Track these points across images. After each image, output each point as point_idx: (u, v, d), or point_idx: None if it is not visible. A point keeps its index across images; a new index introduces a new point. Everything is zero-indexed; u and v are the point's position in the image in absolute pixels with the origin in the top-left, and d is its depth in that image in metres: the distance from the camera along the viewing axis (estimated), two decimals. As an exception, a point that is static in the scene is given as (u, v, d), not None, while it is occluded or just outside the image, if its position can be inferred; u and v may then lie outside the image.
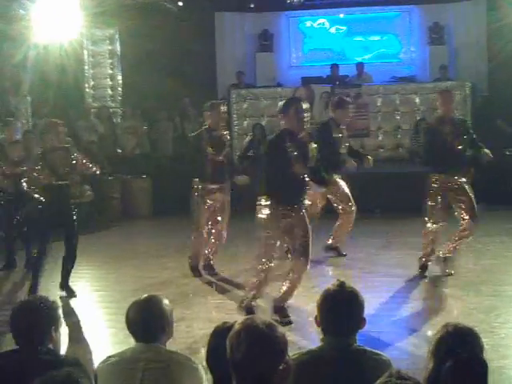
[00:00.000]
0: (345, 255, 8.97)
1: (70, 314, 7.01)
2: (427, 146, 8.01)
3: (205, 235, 8.26)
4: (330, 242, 9.01)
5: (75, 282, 8.36)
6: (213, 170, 8.02)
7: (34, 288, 7.49)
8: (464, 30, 15.07)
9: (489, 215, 10.97)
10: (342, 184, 8.79)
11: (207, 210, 8.14)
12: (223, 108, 8.45)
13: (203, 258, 8.42)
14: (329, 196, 8.79)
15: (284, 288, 6.52)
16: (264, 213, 6.29)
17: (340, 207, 8.81)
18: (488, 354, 5.20)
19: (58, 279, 7.99)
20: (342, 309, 3.30)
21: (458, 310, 6.66)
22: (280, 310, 6.52)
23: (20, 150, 8.85)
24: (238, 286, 7.80)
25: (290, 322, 6.33)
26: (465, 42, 15.02)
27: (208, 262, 8.45)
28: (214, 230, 8.30)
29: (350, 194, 8.78)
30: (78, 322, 6.89)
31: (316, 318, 3.39)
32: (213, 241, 8.34)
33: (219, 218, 8.25)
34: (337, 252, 9.00)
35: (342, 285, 3.38)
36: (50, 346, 3.43)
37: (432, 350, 2.90)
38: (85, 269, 8.56)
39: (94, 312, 7.31)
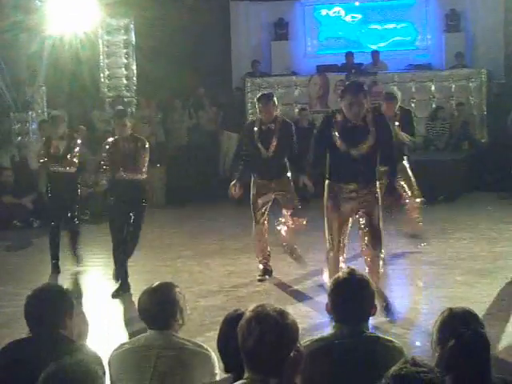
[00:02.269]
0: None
1: (84, 302, 7.06)
2: None
3: (261, 231, 7.68)
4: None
5: (89, 271, 8.45)
6: (260, 166, 7.55)
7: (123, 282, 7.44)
8: (480, 17, 14.92)
9: (504, 203, 10.93)
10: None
11: (262, 207, 7.60)
12: (273, 99, 7.62)
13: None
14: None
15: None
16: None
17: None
18: (503, 341, 5.26)
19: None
20: (352, 296, 3.30)
21: (470, 297, 6.63)
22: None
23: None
24: (251, 275, 7.84)
25: None
26: (481, 29, 14.88)
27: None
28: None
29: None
30: (92, 309, 6.94)
31: (327, 305, 3.40)
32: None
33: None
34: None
35: (352, 272, 3.39)
36: (64, 333, 3.47)
37: (436, 339, 2.91)
38: (99, 257, 8.61)
39: (108, 300, 7.35)
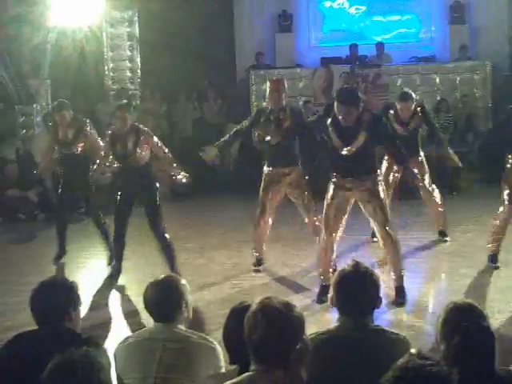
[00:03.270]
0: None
1: (90, 295, 7.07)
2: None
3: (264, 223, 7.55)
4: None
5: (95, 264, 8.45)
6: (269, 154, 7.46)
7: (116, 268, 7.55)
8: (485, 9, 14.85)
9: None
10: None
11: (272, 195, 7.48)
12: (283, 84, 7.48)
13: None
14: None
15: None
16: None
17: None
18: (506, 334, 5.26)
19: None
20: (356, 289, 3.31)
21: (475, 291, 6.63)
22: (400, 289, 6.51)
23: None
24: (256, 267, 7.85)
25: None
26: (486, 21, 14.80)
27: None
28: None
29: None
30: (97, 302, 6.95)
31: (332, 298, 3.40)
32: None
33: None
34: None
35: (356, 265, 3.39)
36: (69, 325, 3.47)
37: (440, 333, 2.91)
38: (103, 251, 8.59)
39: (113, 293, 7.36)
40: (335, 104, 6.17)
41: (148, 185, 7.41)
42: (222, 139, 7.77)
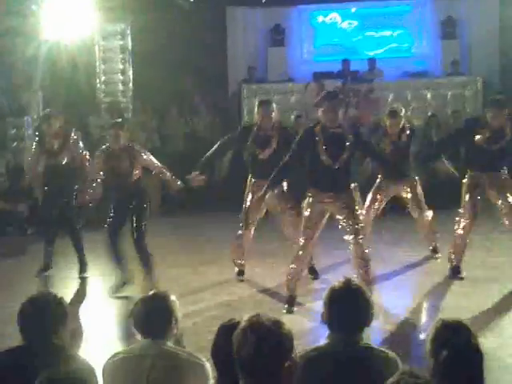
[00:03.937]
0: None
1: (79, 311, 7.03)
2: None
3: (248, 235, 7.80)
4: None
5: (84, 278, 8.40)
6: (257, 168, 7.63)
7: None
8: (476, 24, 14.93)
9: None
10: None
11: (256, 207, 7.61)
12: (272, 106, 7.68)
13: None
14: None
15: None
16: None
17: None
18: (496, 353, 5.24)
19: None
20: (347, 305, 3.30)
21: (464, 307, 6.61)
22: None
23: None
24: (246, 284, 7.83)
25: None
26: (477, 36, 14.89)
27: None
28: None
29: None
30: (87, 318, 6.91)
31: (322, 314, 3.39)
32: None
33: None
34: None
35: (348, 281, 3.38)
36: (57, 341, 3.44)
37: (429, 350, 2.90)
38: (93, 266, 8.57)
39: (102, 308, 7.32)
40: (320, 106, 6.72)
41: (139, 203, 7.49)
42: (203, 158, 8.05)
